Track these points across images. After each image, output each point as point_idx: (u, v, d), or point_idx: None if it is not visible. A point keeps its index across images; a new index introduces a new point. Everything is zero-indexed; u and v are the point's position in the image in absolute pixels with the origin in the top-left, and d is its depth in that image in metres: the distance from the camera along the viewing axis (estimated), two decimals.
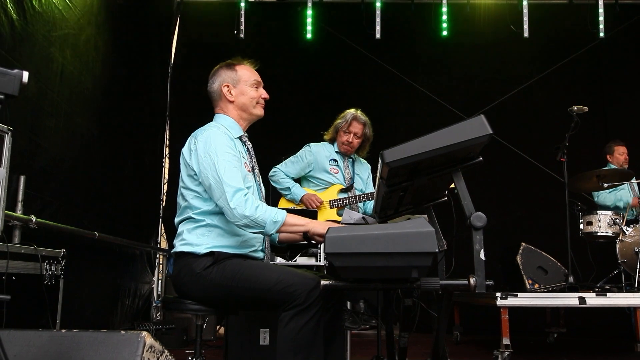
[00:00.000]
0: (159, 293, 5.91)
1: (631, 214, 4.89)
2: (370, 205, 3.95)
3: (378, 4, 5.95)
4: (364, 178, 4.13)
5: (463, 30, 6.13)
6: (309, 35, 6.04)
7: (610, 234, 4.60)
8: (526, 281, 4.35)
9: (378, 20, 5.92)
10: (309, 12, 6.01)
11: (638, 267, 4.23)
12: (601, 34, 5.94)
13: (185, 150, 2.33)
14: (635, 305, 3.90)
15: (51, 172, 3.50)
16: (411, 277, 1.70)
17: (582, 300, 3.77)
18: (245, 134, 2.46)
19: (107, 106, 4.43)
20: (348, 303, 3.36)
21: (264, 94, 2.44)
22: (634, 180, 4.86)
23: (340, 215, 3.84)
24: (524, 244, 4.53)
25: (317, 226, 2.20)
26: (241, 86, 2.40)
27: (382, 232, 1.68)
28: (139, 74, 5.31)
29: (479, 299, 4.31)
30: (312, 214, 3.24)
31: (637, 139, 5.66)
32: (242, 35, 6.08)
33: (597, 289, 4.30)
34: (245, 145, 2.44)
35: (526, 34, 5.89)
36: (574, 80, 6.22)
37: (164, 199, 6.16)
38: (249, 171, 2.36)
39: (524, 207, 5.97)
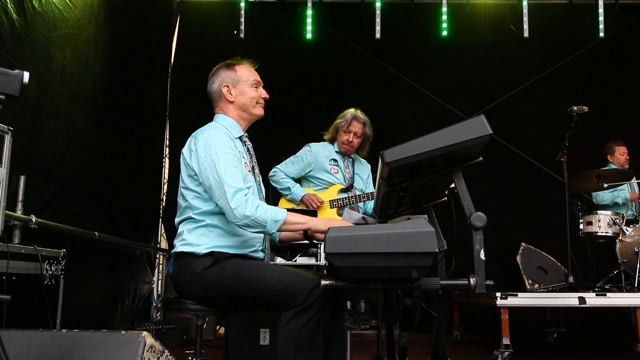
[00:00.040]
0: (159, 293, 5.92)
1: (631, 214, 4.89)
2: (370, 205, 3.95)
3: (378, 4, 5.95)
4: (364, 178, 4.13)
5: (463, 30, 6.13)
6: (309, 35, 6.05)
7: (610, 234, 4.60)
8: (526, 281, 4.35)
9: (378, 20, 5.92)
10: (309, 12, 6.01)
11: (638, 267, 4.23)
12: (601, 34, 5.94)
13: (185, 150, 2.33)
14: (635, 305, 3.90)
15: (51, 172, 3.50)
16: (411, 277, 1.70)
17: (582, 300, 3.77)
18: (246, 134, 2.46)
19: (107, 106, 4.43)
20: (348, 303, 3.36)
21: (263, 93, 2.44)
22: (634, 180, 4.87)
23: (340, 215, 3.84)
24: (524, 244, 4.53)
25: (318, 223, 2.20)
26: (241, 86, 2.40)
27: (382, 232, 1.68)
28: (139, 74, 5.31)
29: (479, 299, 4.31)
30: (312, 214, 3.24)
31: (637, 139, 5.66)
32: (242, 35, 6.08)
33: (597, 289, 4.30)
34: (246, 145, 2.44)
35: (526, 34, 5.89)
36: (574, 80, 6.22)
37: (164, 199, 6.16)
38: (249, 171, 2.36)
39: (524, 207, 5.98)
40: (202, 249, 2.22)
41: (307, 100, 6.20)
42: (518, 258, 4.41)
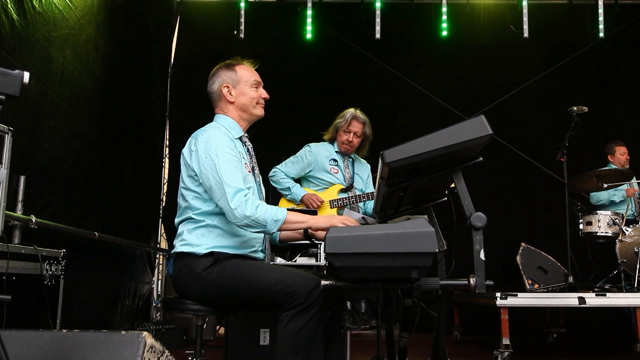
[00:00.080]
0: (159, 293, 5.92)
1: (631, 213, 4.89)
2: (370, 205, 3.95)
3: (378, 4, 5.95)
4: (364, 178, 4.13)
5: (463, 30, 6.13)
6: (309, 35, 6.04)
7: (610, 234, 4.60)
8: (526, 281, 4.35)
9: (378, 20, 5.92)
10: (309, 12, 6.00)
11: (638, 267, 4.23)
12: (601, 34, 5.94)
13: (185, 150, 2.33)
14: (635, 305, 3.90)
15: (51, 172, 3.50)
16: (411, 277, 1.70)
17: (581, 300, 3.77)
18: (246, 135, 2.46)
19: (107, 106, 4.43)
20: (348, 303, 3.36)
21: (264, 94, 2.44)
22: (634, 180, 4.87)
23: (340, 215, 3.84)
24: (523, 244, 4.53)
25: (319, 221, 2.20)
26: (241, 86, 2.40)
27: (382, 232, 1.68)
28: (139, 74, 5.31)
29: (478, 299, 4.31)
30: (312, 214, 3.24)
31: (637, 139, 5.66)
32: (242, 35, 6.07)
33: (596, 289, 4.30)
34: (246, 145, 2.44)
35: (526, 34, 5.89)
36: (574, 81, 6.22)
37: (164, 199, 6.16)
38: (249, 171, 2.36)
39: (524, 207, 5.98)
40: (202, 249, 2.22)
41: (307, 100, 6.20)
42: (518, 258, 4.41)
